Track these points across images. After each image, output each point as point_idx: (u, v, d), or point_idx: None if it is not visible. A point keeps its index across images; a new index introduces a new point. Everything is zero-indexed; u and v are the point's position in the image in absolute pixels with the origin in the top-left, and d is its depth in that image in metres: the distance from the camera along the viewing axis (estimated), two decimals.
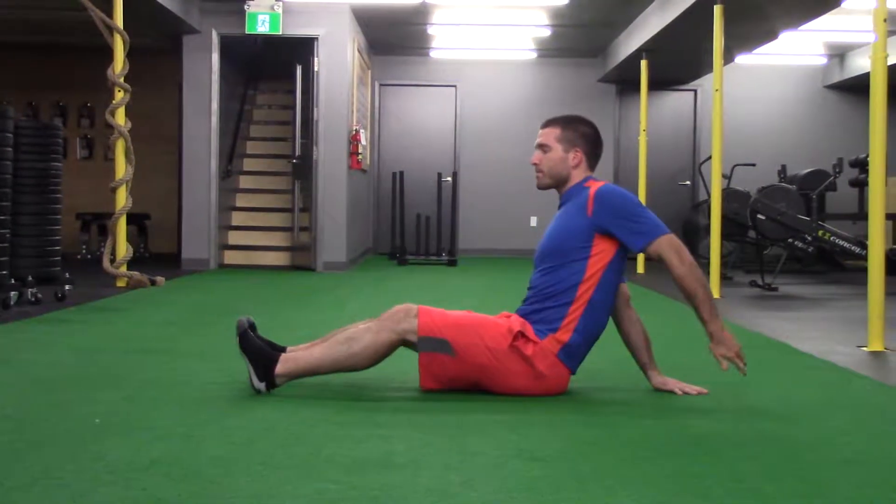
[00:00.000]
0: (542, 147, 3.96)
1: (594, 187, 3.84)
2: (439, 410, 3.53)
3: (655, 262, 3.87)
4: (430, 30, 12.59)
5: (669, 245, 3.75)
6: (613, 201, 3.79)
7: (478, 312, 3.90)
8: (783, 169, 12.62)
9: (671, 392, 3.86)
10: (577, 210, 3.83)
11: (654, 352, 4.03)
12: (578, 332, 3.75)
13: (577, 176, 3.93)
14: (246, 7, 10.74)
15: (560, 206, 3.97)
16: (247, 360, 3.72)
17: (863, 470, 2.79)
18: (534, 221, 14.20)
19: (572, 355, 3.78)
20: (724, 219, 9.04)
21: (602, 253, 3.78)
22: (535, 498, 2.48)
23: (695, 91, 14.55)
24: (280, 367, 3.70)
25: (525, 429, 3.26)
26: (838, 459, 2.91)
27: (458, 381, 3.74)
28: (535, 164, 3.98)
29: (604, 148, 4.07)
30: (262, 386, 3.70)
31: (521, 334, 3.72)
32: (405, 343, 3.71)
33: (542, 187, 4.02)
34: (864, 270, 5.69)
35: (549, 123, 4.01)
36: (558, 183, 3.95)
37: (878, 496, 2.54)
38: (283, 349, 3.80)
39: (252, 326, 3.78)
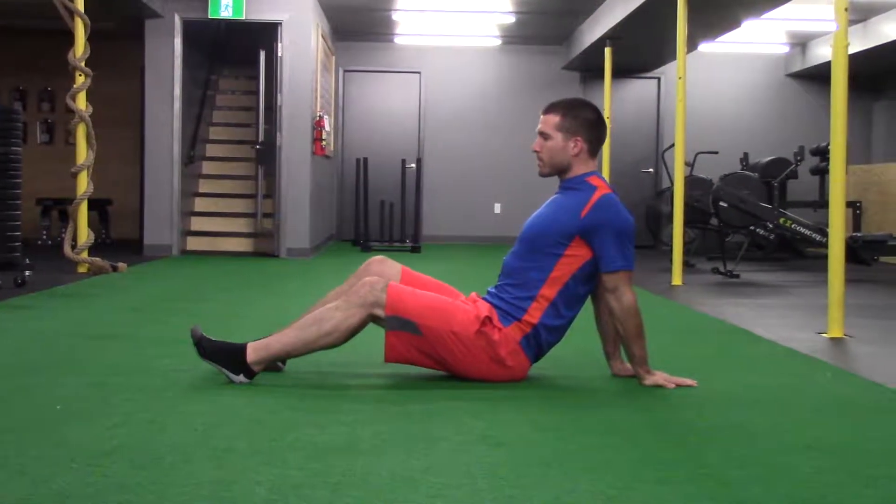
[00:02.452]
0: (543, 134, 3.88)
1: (599, 193, 3.79)
2: (403, 397, 3.54)
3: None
4: (394, 16, 12.56)
5: (628, 278, 3.77)
6: (610, 217, 3.76)
7: (448, 285, 3.90)
8: (745, 157, 12.70)
9: (659, 385, 3.79)
10: (572, 206, 3.79)
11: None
12: (542, 326, 3.77)
13: (579, 165, 3.87)
14: None
15: (558, 192, 3.93)
16: (213, 363, 3.68)
17: (822, 455, 2.82)
18: (497, 208, 14.22)
19: (533, 346, 3.79)
20: (687, 206, 9.09)
21: (575, 258, 3.77)
22: (498, 483, 2.48)
23: (658, 79, 14.60)
24: (252, 355, 3.66)
25: (489, 415, 3.26)
26: (799, 445, 2.94)
27: (422, 360, 3.73)
28: (535, 151, 3.91)
29: (606, 130, 4.01)
30: (241, 378, 3.66)
31: (489, 320, 3.72)
32: (373, 319, 3.68)
33: (543, 175, 3.94)
34: (825, 258, 5.75)
35: (550, 109, 3.91)
36: (559, 171, 3.90)
37: (838, 481, 2.57)
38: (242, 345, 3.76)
39: (203, 335, 3.71)
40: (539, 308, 3.76)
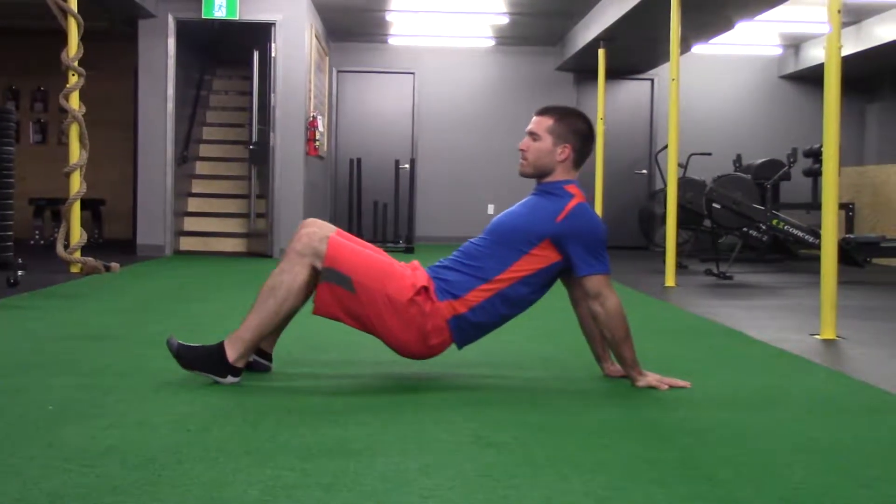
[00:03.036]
0: (532, 135, 3.87)
1: (575, 201, 3.78)
2: (396, 398, 3.53)
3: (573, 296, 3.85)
4: (388, 16, 12.56)
5: (609, 282, 3.77)
6: (584, 225, 3.75)
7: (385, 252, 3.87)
8: (738, 158, 12.72)
9: (652, 386, 3.78)
10: (548, 210, 3.77)
11: None
12: (476, 312, 3.72)
13: (561, 172, 3.86)
14: None
15: (533, 193, 3.91)
16: (197, 371, 3.67)
17: (814, 456, 2.83)
18: (491, 209, 14.22)
19: (462, 329, 3.74)
20: (680, 207, 9.10)
21: (539, 258, 3.75)
22: (491, 484, 2.48)
23: (652, 80, 14.62)
24: (231, 353, 3.64)
25: (482, 416, 3.26)
26: (791, 446, 2.94)
27: (349, 318, 3.67)
28: (521, 149, 3.89)
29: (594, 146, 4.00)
30: (230, 379, 3.65)
31: (425, 290, 3.68)
32: (314, 267, 3.64)
33: (524, 174, 3.92)
34: (817, 259, 5.75)
35: (544, 112, 3.91)
36: (541, 174, 3.87)
37: (830, 482, 2.57)
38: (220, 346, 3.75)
39: (181, 345, 3.69)
40: (480, 295, 3.71)
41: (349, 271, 3.62)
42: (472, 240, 3.87)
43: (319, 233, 3.68)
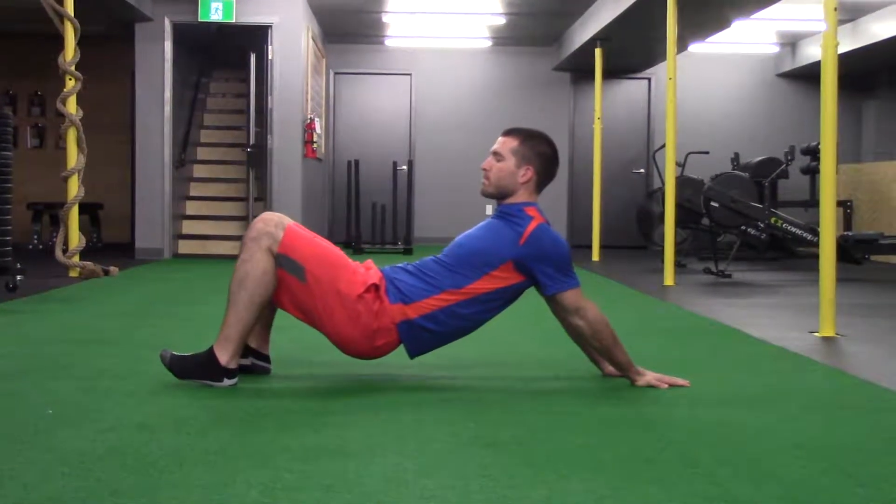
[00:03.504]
0: (496, 155, 3.86)
1: (534, 223, 3.76)
2: (395, 398, 3.53)
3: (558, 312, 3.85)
4: (385, 18, 12.57)
5: (582, 294, 3.76)
6: (547, 246, 3.73)
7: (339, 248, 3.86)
8: (736, 157, 12.72)
9: (651, 385, 3.77)
10: (509, 234, 3.75)
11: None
12: (427, 319, 3.71)
13: (523, 194, 3.85)
14: None
15: (493, 216, 3.90)
16: (194, 379, 3.67)
17: (814, 454, 2.83)
18: (489, 210, 14.20)
19: (412, 336, 3.72)
20: (678, 206, 9.10)
21: (500, 280, 3.74)
22: (490, 484, 2.48)
23: (649, 79, 14.62)
24: (222, 356, 3.64)
25: (481, 416, 3.26)
26: (790, 444, 2.94)
27: (295, 309, 3.67)
28: (484, 169, 3.88)
29: (559, 169, 3.98)
30: (227, 382, 3.65)
31: (375, 287, 3.67)
32: (271, 251, 3.63)
33: (484, 194, 3.92)
34: (816, 257, 5.75)
35: (509, 133, 3.91)
36: (502, 195, 3.86)
37: (829, 480, 2.57)
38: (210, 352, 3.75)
39: (174, 357, 3.71)
40: (434, 304, 3.70)
41: (303, 260, 3.62)
42: (432, 257, 3.85)
43: (275, 219, 3.69)
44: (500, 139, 3.90)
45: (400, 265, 3.84)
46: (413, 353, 3.81)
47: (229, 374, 3.66)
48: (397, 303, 3.69)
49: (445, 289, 3.72)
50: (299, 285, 3.63)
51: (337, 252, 3.76)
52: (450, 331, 3.79)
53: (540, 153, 3.87)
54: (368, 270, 3.76)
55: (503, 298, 3.81)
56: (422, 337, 3.74)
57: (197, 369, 3.67)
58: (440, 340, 3.81)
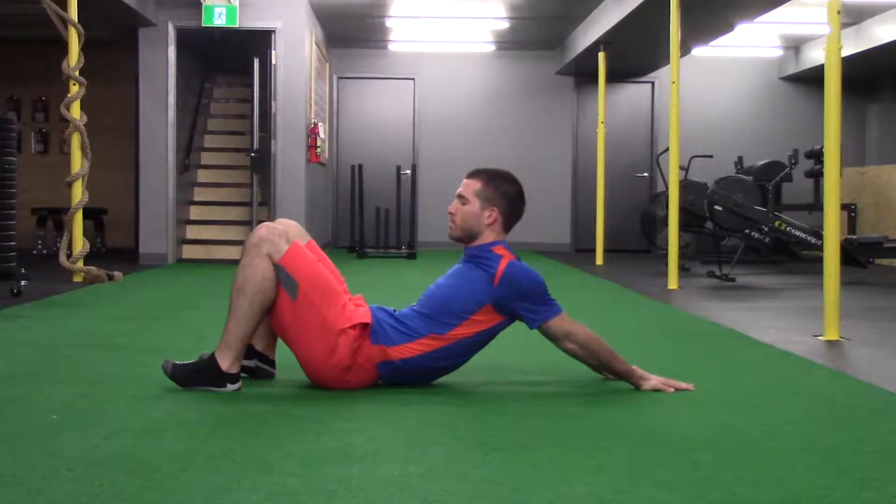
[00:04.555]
0: (461, 198, 3.86)
1: (505, 261, 3.76)
2: (398, 403, 3.53)
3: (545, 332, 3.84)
4: (388, 22, 12.57)
5: (566, 318, 3.77)
6: (522, 282, 3.74)
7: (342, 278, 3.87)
8: (740, 160, 12.72)
9: (657, 389, 3.76)
10: (481, 277, 3.76)
11: (619, 345, 3.95)
12: (409, 362, 3.73)
13: (489, 235, 3.85)
14: (202, 0, 10.68)
15: (462, 262, 3.89)
16: (198, 387, 3.68)
17: (817, 457, 2.82)
18: None
19: (394, 375, 3.75)
20: (682, 210, 9.10)
21: (481, 323, 3.75)
22: (493, 488, 2.48)
23: (652, 83, 14.62)
24: (224, 362, 3.65)
25: (484, 420, 3.27)
26: (793, 447, 2.94)
27: (278, 322, 3.69)
28: (450, 213, 3.88)
29: (525, 209, 3.94)
30: (230, 388, 3.66)
31: (363, 326, 3.69)
32: (271, 258, 3.64)
33: (452, 238, 3.91)
34: (820, 260, 5.74)
35: (473, 175, 3.90)
36: (468, 237, 3.86)
37: (832, 483, 2.57)
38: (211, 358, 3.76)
39: (175, 365, 3.72)
40: (416, 348, 3.72)
41: (299, 277, 3.64)
42: (409, 308, 3.86)
43: (283, 232, 3.70)
44: (464, 181, 3.90)
45: (384, 308, 3.86)
46: (404, 383, 3.81)
47: (232, 379, 3.66)
48: (379, 344, 3.72)
49: (426, 335, 3.73)
50: (288, 301, 3.64)
51: (333, 281, 3.76)
52: (431, 373, 3.82)
53: (504, 193, 3.87)
54: (358, 308, 3.77)
55: (484, 340, 3.83)
56: (404, 375, 3.77)
57: (199, 377, 3.68)
58: (419, 381, 3.82)
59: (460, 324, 3.74)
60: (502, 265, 3.76)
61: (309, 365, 3.72)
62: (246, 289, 3.63)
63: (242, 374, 3.75)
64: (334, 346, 3.65)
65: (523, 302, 3.74)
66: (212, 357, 3.67)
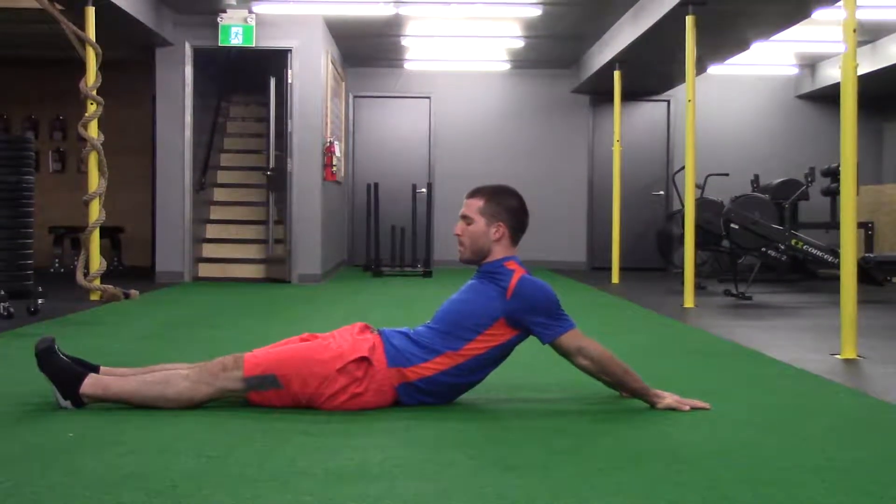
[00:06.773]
0: (465, 218, 3.89)
1: (517, 276, 3.79)
2: (414, 421, 3.53)
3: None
4: (404, 41, 12.60)
5: (579, 334, 3.78)
6: (534, 296, 3.77)
7: (315, 335, 3.86)
8: (756, 178, 12.68)
9: (672, 408, 3.75)
10: (493, 292, 3.79)
11: (635, 364, 3.95)
12: (427, 382, 3.75)
13: (499, 251, 3.88)
14: (219, 19, 10.74)
15: (475, 278, 3.92)
16: (48, 379, 3.70)
17: (835, 476, 2.81)
18: None
19: (411, 394, 3.76)
20: (698, 228, 9.08)
21: (495, 337, 3.77)
22: None
23: (668, 101, 14.61)
24: (88, 389, 3.66)
25: (500, 438, 3.26)
26: (811, 466, 2.93)
27: (292, 404, 3.70)
28: (457, 234, 3.91)
29: (529, 219, 3.98)
30: (67, 403, 3.67)
31: (365, 360, 3.68)
32: (227, 392, 3.69)
33: (463, 261, 3.95)
34: (837, 279, 5.72)
35: (474, 194, 3.93)
36: (479, 257, 3.89)
37: (851, 501, 2.56)
38: (94, 368, 3.78)
39: (51, 348, 3.72)
40: (433, 367, 3.73)
41: (271, 369, 3.66)
42: (423, 325, 3.88)
43: (233, 361, 3.69)
44: (466, 201, 3.93)
45: (397, 329, 3.88)
46: (426, 402, 3.81)
47: (77, 403, 3.67)
48: (396, 366, 3.73)
49: (442, 352, 3.75)
50: (279, 392, 3.68)
51: (299, 345, 3.77)
52: (449, 392, 3.82)
53: (507, 207, 3.90)
54: (356, 340, 3.76)
55: (499, 355, 3.84)
56: (422, 399, 3.78)
57: (58, 375, 3.69)
58: (439, 400, 3.82)
59: (475, 338, 3.75)
60: (514, 279, 3.78)
61: (338, 410, 3.70)
62: (169, 391, 3.67)
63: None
64: (339, 385, 3.67)
65: (536, 316, 3.75)
66: (84, 375, 3.68)
